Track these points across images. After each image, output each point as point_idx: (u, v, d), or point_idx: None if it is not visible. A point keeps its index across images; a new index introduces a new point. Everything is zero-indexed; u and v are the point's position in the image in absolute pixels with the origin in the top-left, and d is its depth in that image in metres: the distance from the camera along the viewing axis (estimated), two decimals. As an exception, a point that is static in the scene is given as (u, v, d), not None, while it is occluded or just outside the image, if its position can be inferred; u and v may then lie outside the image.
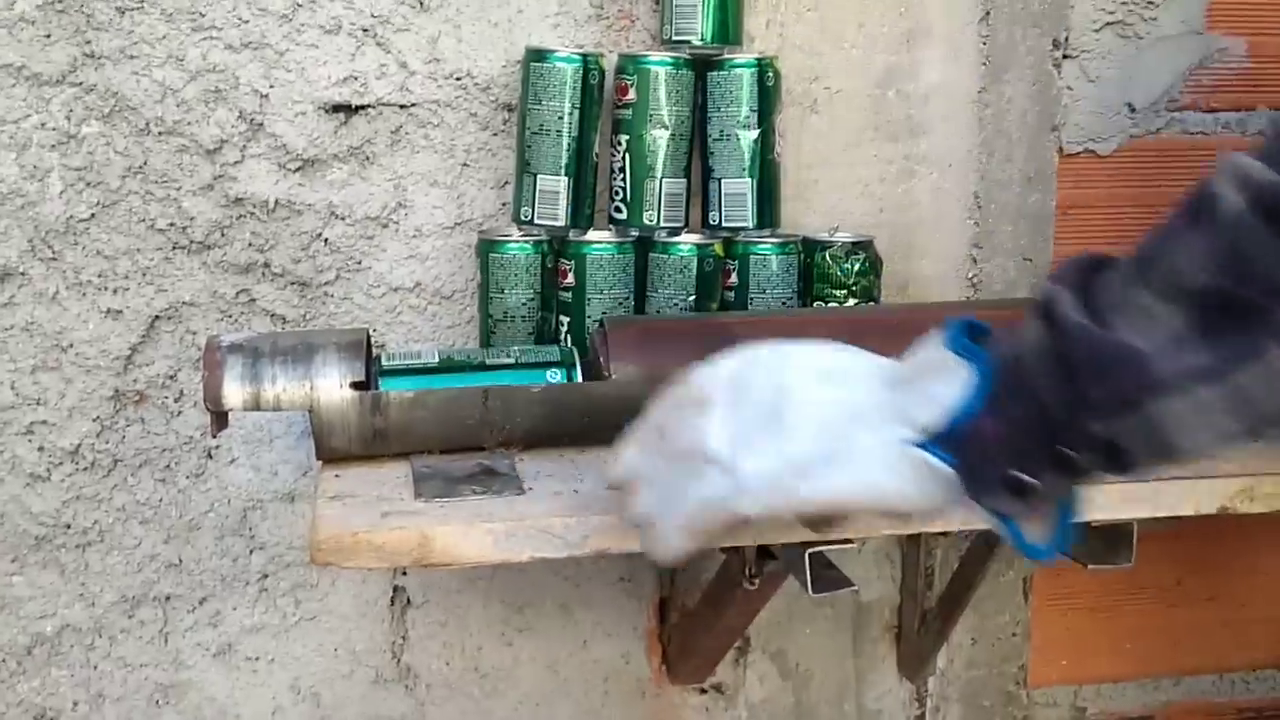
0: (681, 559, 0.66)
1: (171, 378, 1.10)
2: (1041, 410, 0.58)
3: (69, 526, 1.10)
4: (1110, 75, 1.21)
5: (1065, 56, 1.20)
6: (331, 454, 0.91)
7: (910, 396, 0.61)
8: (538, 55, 1.04)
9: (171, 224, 1.07)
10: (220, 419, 0.90)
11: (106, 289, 1.07)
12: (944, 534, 1.15)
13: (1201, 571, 1.33)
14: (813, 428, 0.61)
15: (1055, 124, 1.21)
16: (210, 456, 1.11)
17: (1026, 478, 0.59)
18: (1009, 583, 1.28)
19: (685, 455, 0.64)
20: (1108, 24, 1.20)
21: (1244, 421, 0.56)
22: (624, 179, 1.06)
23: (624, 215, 1.07)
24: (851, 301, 1.09)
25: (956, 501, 0.61)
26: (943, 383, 0.60)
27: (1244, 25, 1.23)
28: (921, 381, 0.61)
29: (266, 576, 1.15)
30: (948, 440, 0.60)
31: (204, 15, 1.04)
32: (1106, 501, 0.88)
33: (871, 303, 1.10)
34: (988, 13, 1.17)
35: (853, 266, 1.09)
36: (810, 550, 0.84)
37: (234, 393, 0.88)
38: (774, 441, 0.62)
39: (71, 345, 1.07)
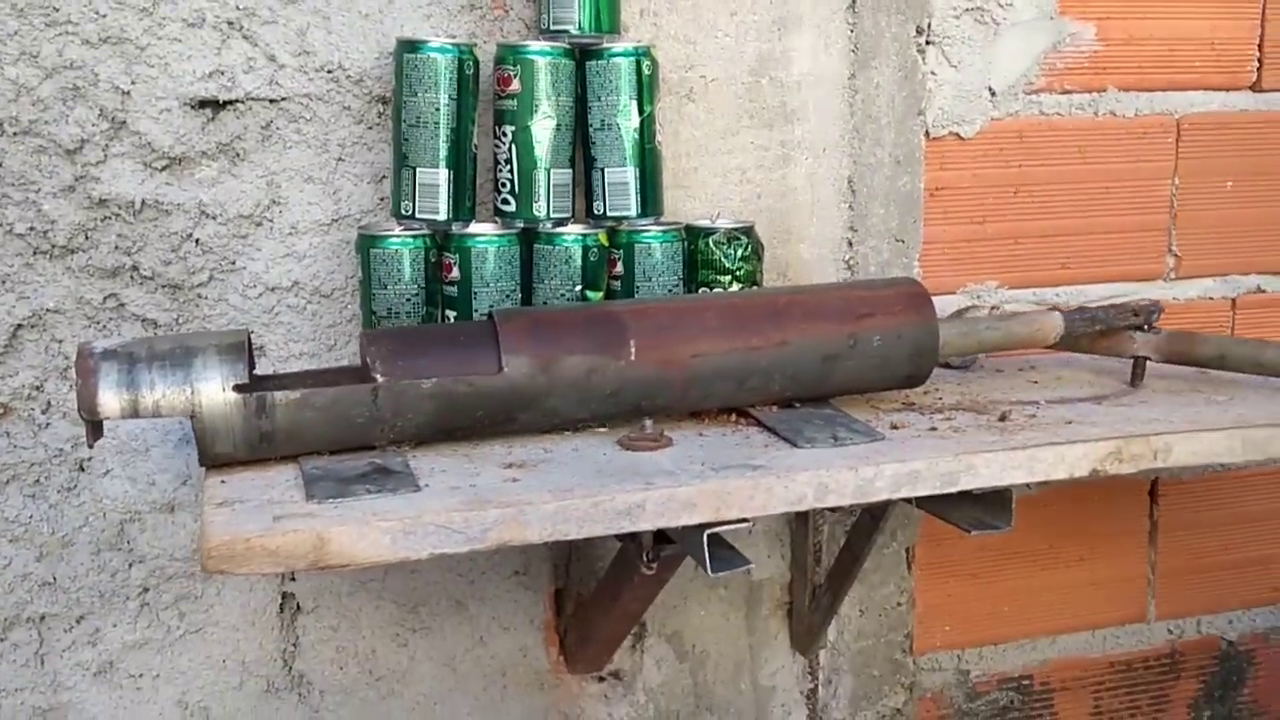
0: None
1: (38, 388, 1.05)
2: None
3: (-70, 550, 1.05)
4: (971, 61, 1.25)
5: (928, 43, 1.24)
6: (216, 460, 0.89)
7: None
8: (410, 46, 1.02)
9: (31, 228, 1.02)
10: (96, 428, 0.87)
11: (-38, 298, 1.02)
12: (832, 509, 1.18)
13: (1071, 535, 1.40)
14: None
15: (921, 108, 1.24)
16: (82, 469, 1.07)
17: None
18: (893, 554, 1.32)
19: None
20: (966, 10, 1.24)
21: None
22: (510, 170, 1.05)
23: (512, 207, 1.06)
24: (735, 286, 1.11)
25: None
26: None
27: (1092, 10, 1.29)
28: None
29: (148, 590, 1.11)
30: None
31: (58, 10, 0.99)
32: (986, 469, 0.92)
33: (754, 286, 1.12)
34: (854, 0, 1.20)
35: (735, 252, 1.11)
36: (708, 531, 0.85)
37: (110, 400, 0.85)
38: None
39: (-74, 359, 1.02)
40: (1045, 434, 0.97)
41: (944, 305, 1.23)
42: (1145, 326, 1.15)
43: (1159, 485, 1.42)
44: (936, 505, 0.97)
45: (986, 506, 0.97)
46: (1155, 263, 1.37)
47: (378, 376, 0.90)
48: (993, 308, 1.29)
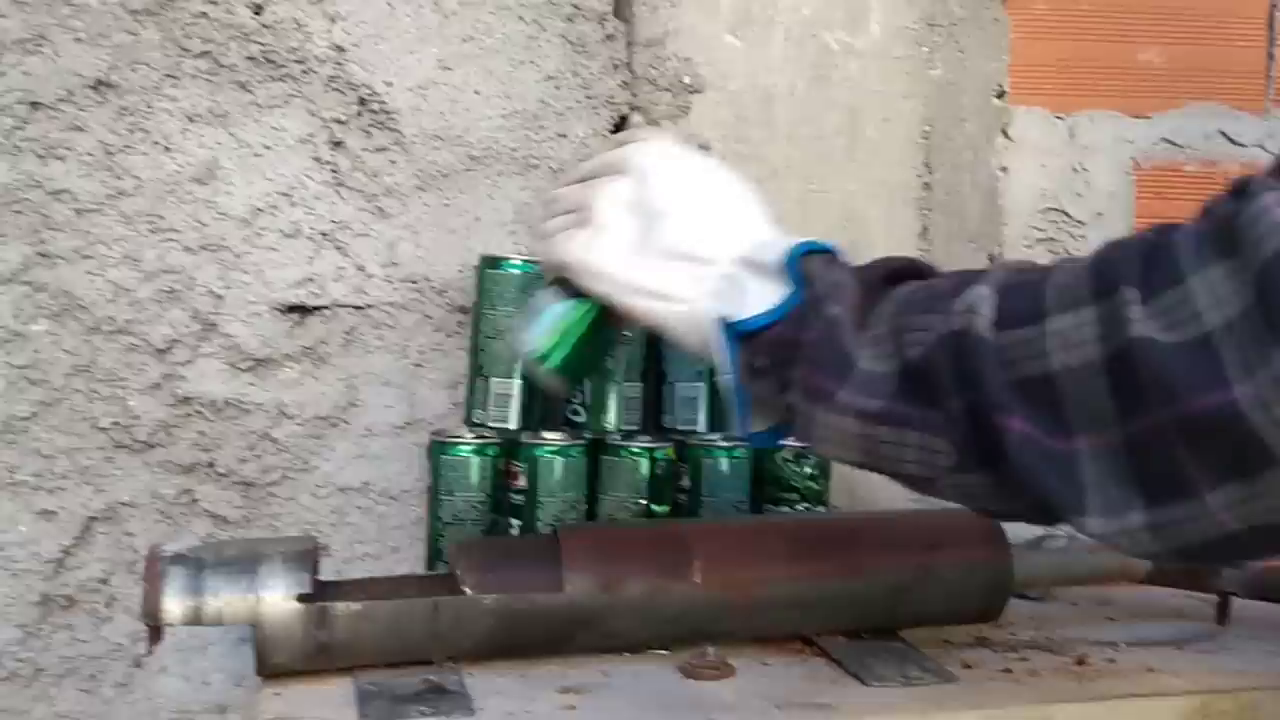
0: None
1: (104, 582, 1.06)
2: (797, 350, 0.70)
3: (-18, 741, 1.04)
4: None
5: (1000, 270, 1.25)
6: (273, 670, 0.88)
7: (738, 287, 0.72)
8: (492, 262, 1.06)
9: (115, 423, 1.05)
10: (156, 633, 0.86)
11: (42, 489, 1.04)
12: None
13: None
14: (662, 261, 0.74)
15: (993, 333, 1.25)
16: (138, 665, 1.07)
17: (762, 379, 0.71)
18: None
19: (583, 206, 0.76)
20: (1039, 240, 1.26)
21: (858, 459, 0.69)
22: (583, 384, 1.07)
23: (582, 418, 1.07)
24: (802, 505, 1.10)
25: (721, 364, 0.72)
26: (763, 290, 0.71)
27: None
28: (754, 278, 0.72)
29: (192, 794, 1.08)
30: (735, 332, 0.71)
31: (163, 218, 1.05)
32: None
33: (821, 506, 1.11)
34: (926, 228, 1.23)
35: (804, 470, 1.10)
36: (770, 774, 0.82)
37: (174, 606, 0.85)
38: (634, 253, 0.74)
39: (1, 547, 1.03)
40: (1126, 683, 0.93)
41: (1018, 530, 1.20)
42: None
43: (1247, 731, 1.34)
44: (1011, 754, 0.93)
45: (1065, 759, 0.92)
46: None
47: (466, 590, 0.89)
48: (1068, 538, 1.26)
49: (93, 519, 1.05)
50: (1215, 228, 0.56)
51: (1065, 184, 1.26)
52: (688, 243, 0.74)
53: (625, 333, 0.84)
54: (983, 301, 0.62)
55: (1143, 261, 0.57)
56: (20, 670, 1.04)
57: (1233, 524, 0.54)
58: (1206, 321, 0.52)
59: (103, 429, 1.05)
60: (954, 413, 0.63)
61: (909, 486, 0.70)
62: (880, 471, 0.70)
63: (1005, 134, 1.25)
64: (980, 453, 0.63)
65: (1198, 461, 0.54)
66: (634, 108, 1.16)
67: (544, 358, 0.82)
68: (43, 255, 1.03)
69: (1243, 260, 0.52)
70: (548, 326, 0.80)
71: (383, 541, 1.11)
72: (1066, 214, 1.26)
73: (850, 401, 0.67)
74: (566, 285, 0.79)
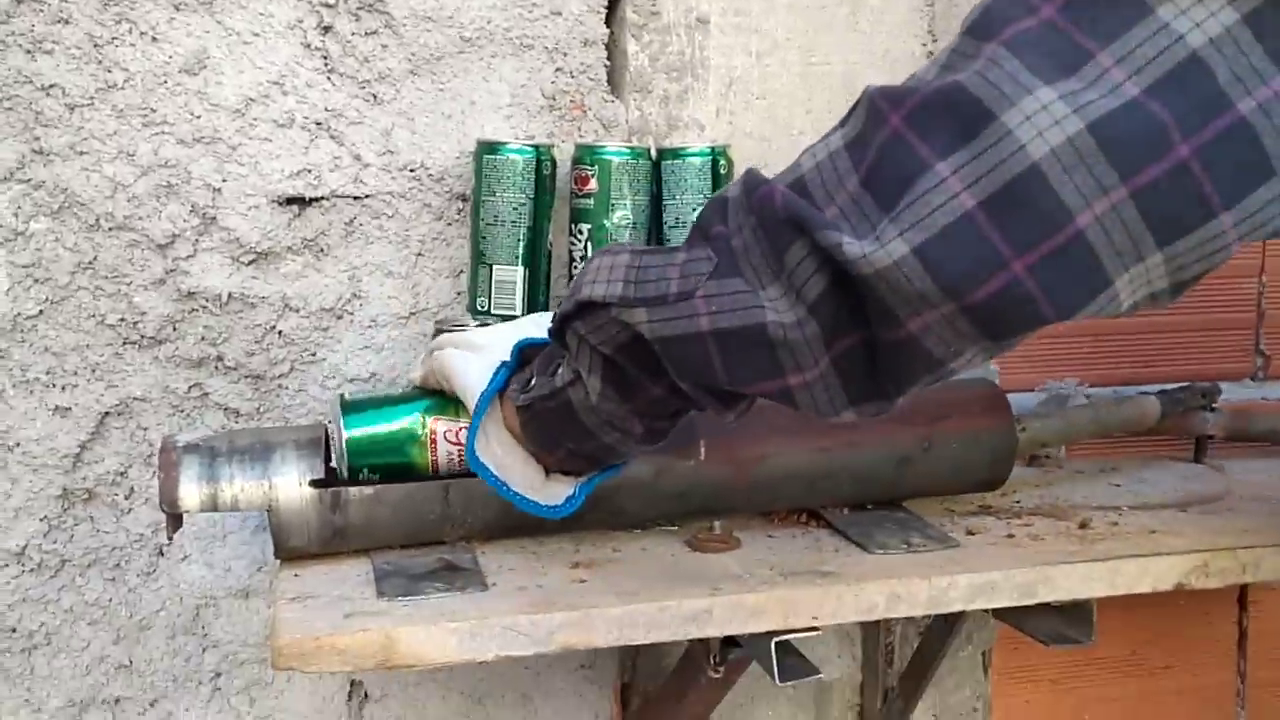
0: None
1: (122, 474, 1.08)
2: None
3: (14, 630, 1.07)
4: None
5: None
6: (290, 553, 0.90)
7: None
8: (490, 147, 1.05)
9: (122, 319, 1.06)
10: (176, 521, 0.89)
11: (55, 386, 1.05)
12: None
13: (1156, 641, 1.35)
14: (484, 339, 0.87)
15: (998, 205, 1.23)
16: (161, 554, 1.09)
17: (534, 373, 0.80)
18: (969, 658, 1.29)
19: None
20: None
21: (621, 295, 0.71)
22: (584, 268, 1.07)
23: (582, 303, 1.07)
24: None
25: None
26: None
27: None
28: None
29: (220, 675, 1.12)
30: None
31: (155, 111, 1.04)
32: (1065, 581, 0.89)
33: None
34: (930, 99, 1.20)
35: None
36: (776, 639, 0.84)
37: (191, 494, 0.87)
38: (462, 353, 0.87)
39: (18, 444, 1.05)
40: (1128, 544, 0.94)
41: (1021, 402, 1.21)
42: (1211, 406, 1.19)
43: (1249, 590, 1.37)
44: (1014, 616, 0.95)
45: (1066, 618, 0.94)
46: (1243, 362, 1.33)
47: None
48: (1085, 394, 1.27)
49: (106, 414, 1.07)
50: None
51: (1072, 49, 1.24)
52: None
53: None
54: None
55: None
56: (47, 561, 1.07)
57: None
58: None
59: (110, 325, 1.06)
60: (719, 235, 0.67)
61: (658, 325, 0.69)
62: (634, 316, 0.70)
63: (1010, -1, 1.22)
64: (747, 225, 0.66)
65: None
66: (628, -17, 1.13)
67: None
68: (37, 152, 1.02)
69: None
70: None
71: (393, 429, 1.12)
72: (1073, 80, 1.24)
73: (624, 247, 0.75)
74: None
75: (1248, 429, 1.21)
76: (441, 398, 0.90)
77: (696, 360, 0.68)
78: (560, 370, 0.77)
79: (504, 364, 0.82)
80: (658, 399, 0.74)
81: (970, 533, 0.97)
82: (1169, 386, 1.20)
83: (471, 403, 0.81)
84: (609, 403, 0.75)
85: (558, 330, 0.76)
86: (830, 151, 0.63)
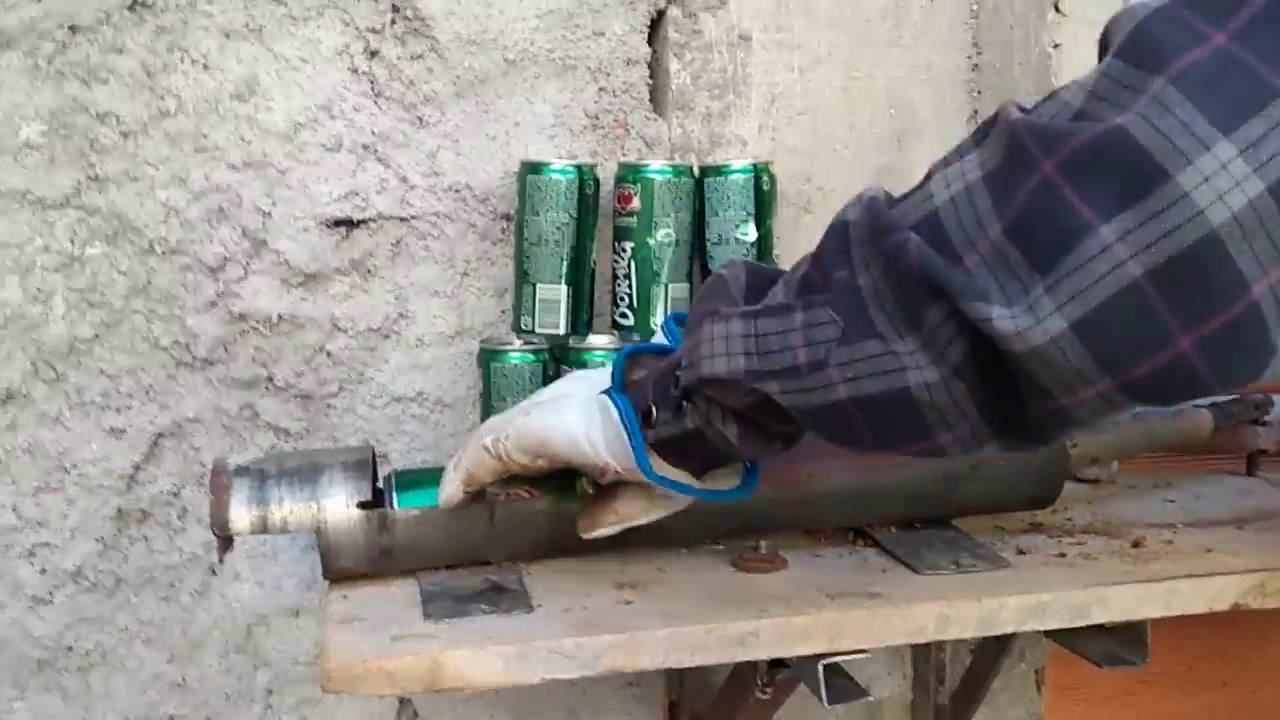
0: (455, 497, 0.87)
1: (175, 495, 1.09)
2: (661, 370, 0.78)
3: (71, 649, 1.09)
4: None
5: (1053, 152, 1.22)
6: (339, 574, 0.91)
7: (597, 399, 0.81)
8: (533, 168, 1.05)
9: (175, 341, 1.07)
10: (226, 543, 0.90)
11: (110, 408, 1.07)
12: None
13: (1212, 658, 1.32)
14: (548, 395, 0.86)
15: (1046, 217, 1.22)
16: (214, 573, 1.11)
17: (655, 408, 0.77)
18: (1022, 675, 1.27)
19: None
20: (1093, 119, 1.22)
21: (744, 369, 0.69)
22: (629, 285, 1.07)
23: (630, 321, 1.08)
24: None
25: (634, 449, 0.77)
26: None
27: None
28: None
29: (271, 693, 1.13)
30: (618, 388, 0.80)
31: (206, 137, 1.06)
32: (1119, 602, 0.88)
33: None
34: (975, 111, 1.19)
35: (853, 364, 1.10)
36: (824, 662, 0.83)
37: (241, 516, 0.88)
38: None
39: (74, 465, 1.07)
40: (1183, 564, 0.93)
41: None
42: (1260, 420, 1.16)
43: (1310, 608, 1.34)
44: (1066, 637, 0.94)
45: (1120, 638, 0.92)
46: None
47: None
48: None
49: (160, 435, 1.08)
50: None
51: (1120, 59, 1.22)
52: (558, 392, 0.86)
53: None
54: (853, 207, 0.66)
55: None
56: (102, 581, 1.09)
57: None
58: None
59: (163, 348, 1.07)
60: (842, 282, 0.64)
61: (793, 396, 0.67)
62: (765, 387, 0.68)
63: (1057, 8, 1.20)
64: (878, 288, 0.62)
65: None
66: (671, 1, 1.13)
67: None
68: (92, 179, 1.04)
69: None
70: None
71: (439, 448, 1.13)
72: (1122, 90, 1.22)
73: (733, 311, 0.71)
74: None
75: None
76: None
77: (838, 426, 0.66)
78: (689, 415, 0.75)
79: (618, 398, 0.79)
80: (796, 433, 0.74)
81: (1021, 551, 0.96)
82: (1220, 399, 1.17)
83: (600, 442, 0.79)
84: (749, 444, 0.74)
85: (680, 396, 0.75)
86: (967, 184, 0.59)
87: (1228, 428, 1.15)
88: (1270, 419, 1.17)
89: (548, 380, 1.06)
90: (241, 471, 0.90)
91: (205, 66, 1.05)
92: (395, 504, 0.90)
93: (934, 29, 1.19)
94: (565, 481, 0.90)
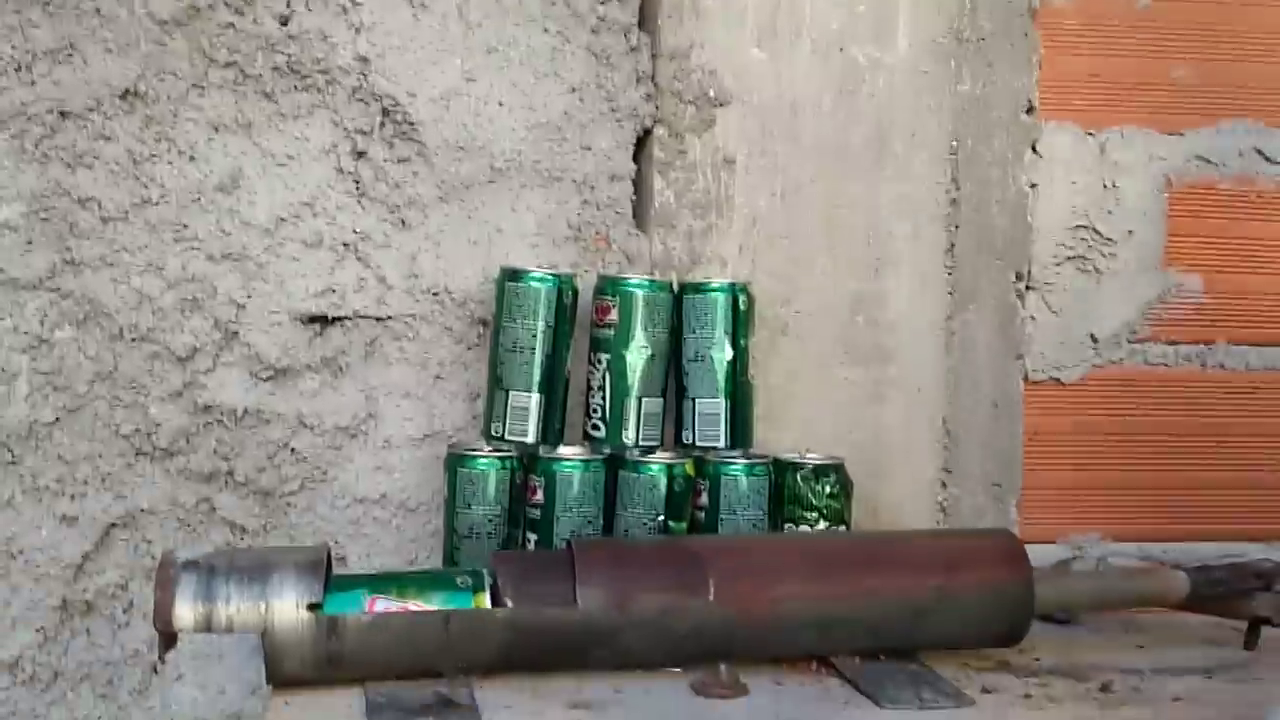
0: None
1: (122, 588, 1.06)
2: None
3: (-1, 745, 1.05)
4: (1072, 307, 1.24)
5: (1028, 288, 1.23)
6: (284, 679, 0.88)
7: None
8: (513, 275, 1.05)
9: (137, 429, 1.06)
10: (169, 640, 0.87)
11: (64, 494, 1.05)
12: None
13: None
14: None
15: (1020, 352, 1.23)
16: (155, 672, 1.07)
17: None
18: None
19: None
20: (1069, 258, 1.24)
21: None
22: (603, 397, 1.06)
23: (602, 433, 1.07)
24: (822, 524, 1.08)
25: None
26: None
27: (1199, 263, 1.27)
28: None
29: (205, 803, 1.08)
30: None
31: (187, 227, 1.06)
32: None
33: (842, 525, 1.09)
34: (952, 245, 1.21)
35: (823, 488, 1.09)
36: (780, 797, 0.80)
37: (185, 613, 0.85)
38: None
39: (21, 552, 1.04)
40: (1150, 712, 0.90)
41: (1043, 555, 1.18)
42: (1266, 588, 1.08)
43: (1281, 764, 1.31)
44: (1030, 782, 0.91)
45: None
46: (1273, 522, 1.30)
47: (508, 601, 0.89)
48: (1099, 560, 1.24)
49: (113, 525, 1.06)
50: None
51: (1096, 201, 1.24)
52: None
53: None
54: None
55: None
56: (39, 674, 1.05)
57: None
58: None
59: (124, 436, 1.06)
60: None
61: None
62: None
63: (1034, 149, 1.23)
64: None
65: None
66: (658, 120, 1.15)
67: None
68: (69, 262, 1.04)
69: None
70: None
71: (399, 553, 1.11)
72: (1097, 231, 1.24)
73: None
74: None
75: None
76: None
77: None
78: None
79: None
80: None
81: (986, 690, 0.94)
82: (1214, 563, 1.13)
83: None
84: None
85: None
86: None
87: (1218, 595, 1.08)
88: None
89: (514, 489, 1.05)
90: (190, 566, 0.87)
91: (191, 158, 1.06)
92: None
93: (914, 162, 1.21)
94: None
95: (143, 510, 1.06)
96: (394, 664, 0.89)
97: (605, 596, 0.92)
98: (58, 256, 1.04)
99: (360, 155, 1.09)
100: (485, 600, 0.89)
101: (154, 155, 1.05)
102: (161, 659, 0.89)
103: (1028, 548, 1.03)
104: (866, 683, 0.93)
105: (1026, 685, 0.96)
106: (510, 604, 0.89)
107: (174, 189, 1.05)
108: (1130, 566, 1.15)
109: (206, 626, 0.86)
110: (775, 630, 0.95)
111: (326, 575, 0.90)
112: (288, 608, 0.87)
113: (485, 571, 0.92)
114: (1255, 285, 1.28)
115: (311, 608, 0.87)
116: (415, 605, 0.88)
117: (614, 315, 1.06)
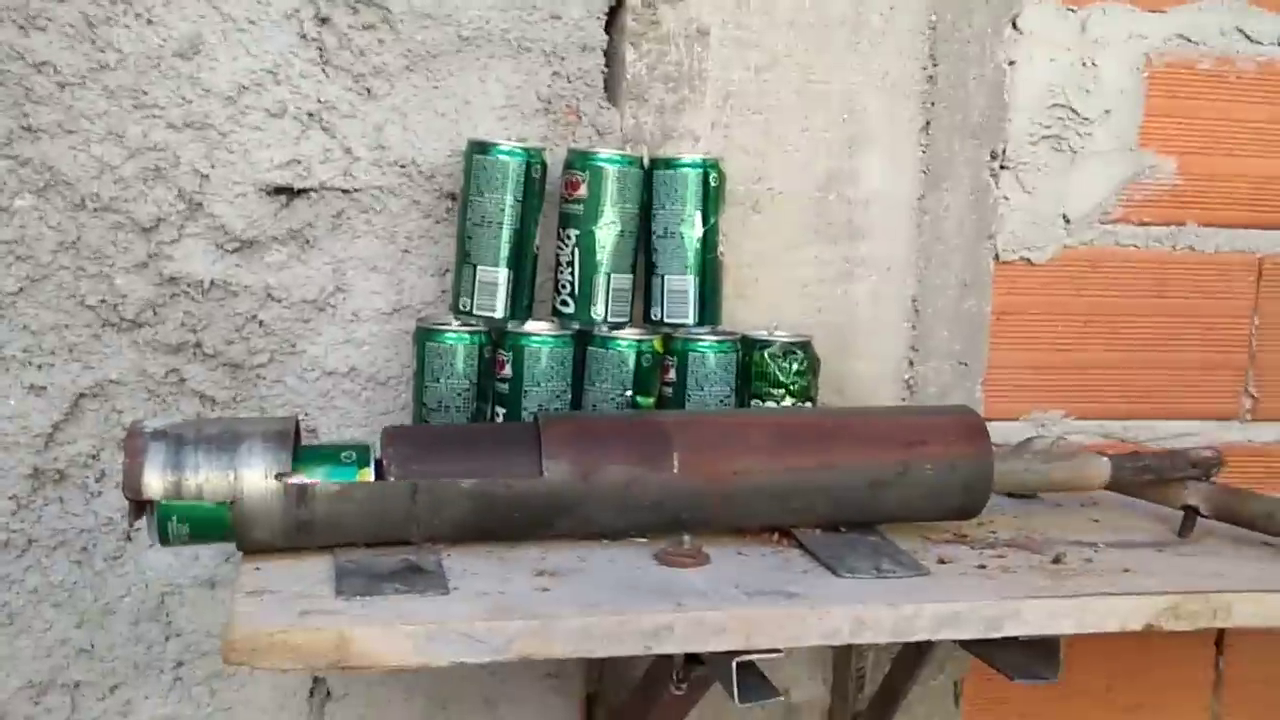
0: None
1: (94, 457, 1.07)
2: None
3: (-24, 609, 1.06)
4: (1046, 187, 1.24)
5: (1002, 167, 1.22)
6: (253, 546, 0.89)
7: None
8: (481, 148, 1.04)
9: (103, 300, 1.05)
10: (139, 508, 0.88)
11: (31, 364, 1.05)
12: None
13: (1131, 676, 1.34)
14: None
15: (991, 232, 1.23)
16: (129, 539, 1.08)
17: None
18: (940, 687, 1.28)
19: None
20: (1044, 137, 1.23)
21: None
22: (572, 273, 1.06)
23: (571, 309, 1.07)
24: (789, 400, 1.09)
25: None
26: None
27: (1174, 144, 1.27)
28: None
29: (182, 664, 1.11)
30: None
31: (146, 93, 1.03)
32: (1032, 615, 0.88)
33: (808, 402, 1.10)
34: (928, 123, 1.20)
35: (790, 366, 1.10)
36: (738, 660, 0.83)
37: (154, 482, 0.86)
38: None
39: (-10, 421, 1.05)
40: (1099, 582, 0.93)
41: (1007, 432, 1.20)
42: (1203, 478, 1.08)
43: (1226, 634, 1.36)
44: (981, 648, 0.93)
45: (1033, 653, 0.93)
46: (1230, 403, 1.32)
47: (390, 476, 0.90)
48: (1058, 438, 1.26)
49: (82, 395, 1.06)
50: None
51: (1074, 79, 1.23)
52: None
53: None
54: None
55: None
56: (14, 540, 1.06)
57: None
58: None
59: (90, 307, 1.05)
60: None
61: None
62: None
63: (1014, 25, 1.21)
64: None
65: None
66: (631, -10, 1.13)
67: None
68: (26, 129, 1.02)
69: None
70: None
71: (370, 425, 1.12)
72: (1074, 110, 1.23)
73: None
74: None
75: (1237, 510, 1.06)
76: None
77: None
78: None
79: None
80: None
81: (942, 561, 0.96)
82: (1152, 451, 1.12)
83: None
84: None
85: None
86: None
87: (1144, 482, 1.09)
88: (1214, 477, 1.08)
89: (482, 363, 1.05)
90: (159, 435, 0.88)
91: (149, 21, 1.03)
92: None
93: (891, 37, 1.19)
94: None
95: (112, 381, 1.06)
96: (363, 532, 0.91)
97: (570, 468, 0.93)
98: (14, 123, 1.02)
99: (324, 21, 1.06)
100: (369, 476, 0.89)
101: (110, 18, 1.02)
102: (132, 525, 0.89)
103: (992, 425, 1.04)
104: (826, 553, 0.95)
105: (982, 556, 0.98)
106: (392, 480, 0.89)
107: (132, 54, 1.03)
108: (1059, 448, 1.16)
109: (176, 494, 0.87)
110: (738, 502, 0.96)
111: (295, 445, 0.90)
112: (256, 477, 0.88)
113: (371, 447, 0.91)
114: (1227, 168, 1.28)
115: (279, 477, 0.88)
116: (300, 479, 0.87)
117: (583, 190, 1.05)
